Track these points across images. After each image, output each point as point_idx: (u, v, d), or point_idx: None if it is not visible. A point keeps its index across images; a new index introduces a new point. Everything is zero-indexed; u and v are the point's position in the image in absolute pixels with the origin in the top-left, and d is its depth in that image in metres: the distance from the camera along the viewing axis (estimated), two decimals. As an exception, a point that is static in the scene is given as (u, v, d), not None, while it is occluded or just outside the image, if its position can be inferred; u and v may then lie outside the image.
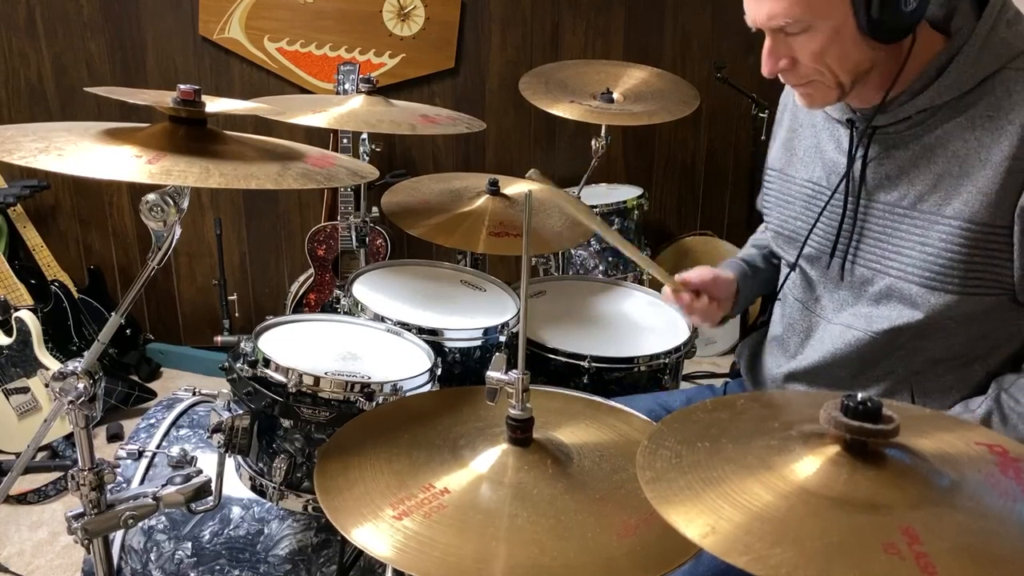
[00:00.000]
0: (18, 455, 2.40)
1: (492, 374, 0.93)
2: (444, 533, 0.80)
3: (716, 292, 1.36)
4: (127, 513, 1.06)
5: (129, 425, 2.62)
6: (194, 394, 1.53)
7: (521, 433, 0.92)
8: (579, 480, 0.90)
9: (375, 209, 1.87)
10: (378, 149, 2.37)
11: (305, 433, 1.20)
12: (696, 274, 1.36)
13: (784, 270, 1.36)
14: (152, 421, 1.45)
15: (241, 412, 1.20)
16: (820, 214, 1.22)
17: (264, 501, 1.30)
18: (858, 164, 1.16)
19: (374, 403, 1.18)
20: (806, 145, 1.28)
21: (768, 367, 1.37)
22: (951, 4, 1.08)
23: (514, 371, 0.92)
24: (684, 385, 1.72)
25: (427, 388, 1.28)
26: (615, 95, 2.18)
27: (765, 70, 1.12)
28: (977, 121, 1.05)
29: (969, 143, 1.05)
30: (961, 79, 1.05)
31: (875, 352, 1.18)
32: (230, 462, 1.26)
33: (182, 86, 1.01)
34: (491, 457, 0.91)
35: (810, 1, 1.03)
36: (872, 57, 1.07)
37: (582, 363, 1.53)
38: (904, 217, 1.11)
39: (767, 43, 1.10)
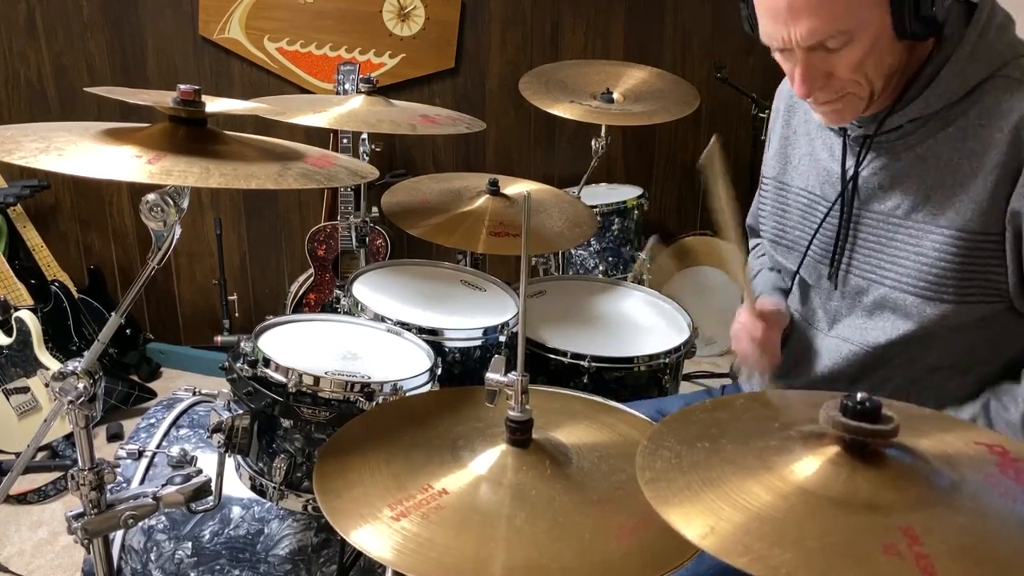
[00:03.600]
0: (18, 455, 2.40)
1: (491, 376, 0.93)
2: (442, 534, 0.80)
3: (776, 324, 1.26)
4: (127, 513, 1.07)
5: (129, 425, 2.62)
6: (194, 394, 1.53)
7: (520, 434, 0.92)
8: (578, 481, 0.90)
9: (375, 209, 1.87)
10: (378, 149, 2.37)
11: (305, 433, 1.20)
12: (768, 301, 1.27)
13: (787, 281, 1.33)
14: (152, 421, 1.45)
15: (241, 412, 1.20)
16: (820, 225, 1.19)
17: (264, 501, 1.30)
18: (851, 173, 1.15)
19: (374, 403, 1.18)
20: (801, 153, 1.26)
21: (760, 376, 1.35)
22: (944, 10, 1.04)
23: (513, 372, 0.92)
24: (683, 387, 1.72)
25: (427, 388, 1.28)
26: (615, 95, 2.18)
27: (801, 93, 1.06)
28: (968, 131, 1.03)
29: (961, 152, 1.04)
30: (951, 88, 1.04)
31: (871, 364, 1.16)
32: (230, 462, 1.26)
33: (182, 86, 1.01)
34: (490, 458, 0.91)
35: (851, 11, 0.98)
36: (901, 59, 1.05)
37: (582, 363, 1.53)
38: (899, 227, 1.10)
39: (802, 64, 1.04)
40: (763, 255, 1.47)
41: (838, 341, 1.20)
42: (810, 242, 1.22)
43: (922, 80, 1.05)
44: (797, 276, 1.27)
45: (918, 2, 0.98)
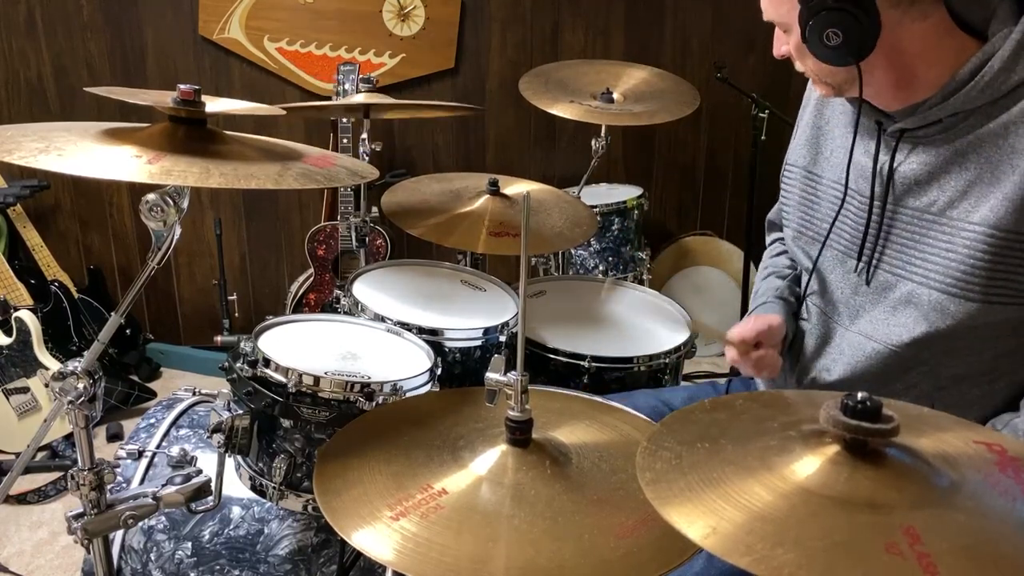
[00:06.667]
0: (18, 455, 2.40)
1: (491, 376, 0.93)
2: (441, 534, 0.80)
3: (771, 341, 1.28)
4: (127, 513, 1.06)
5: (129, 425, 2.62)
6: (194, 394, 1.53)
7: (520, 434, 0.92)
8: (578, 481, 0.90)
9: (375, 209, 1.87)
10: (378, 149, 2.37)
11: (305, 433, 1.20)
12: (752, 327, 1.29)
13: (804, 275, 1.32)
14: (152, 421, 1.45)
15: (241, 412, 1.20)
16: (841, 217, 1.20)
17: (264, 501, 1.30)
18: (886, 168, 1.14)
19: (374, 403, 1.18)
20: (834, 145, 1.25)
21: (785, 375, 1.34)
22: (990, 7, 1.04)
23: (513, 372, 0.92)
24: (685, 384, 1.72)
25: (427, 388, 1.28)
26: (615, 95, 2.18)
27: (774, 51, 1.18)
28: (1011, 127, 1.01)
29: (1003, 149, 1.02)
30: (994, 84, 1.02)
31: (896, 366, 1.15)
32: (230, 462, 1.26)
33: (182, 86, 1.00)
34: (490, 458, 0.91)
35: (777, 9, 1.10)
36: (848, 69, 1.06)
37: (582, 363, 1.53)
38: (933, 223, 1.09)
39: (776, 31, 1.16)
40: (778, 254, 1.45)
41: (861, 338, 1.18)
42: (828, 232, 1.22)
43: (964, 75, 1.04)
44: (816, 268, 1.26)
45: (808, 27, 1.04)
